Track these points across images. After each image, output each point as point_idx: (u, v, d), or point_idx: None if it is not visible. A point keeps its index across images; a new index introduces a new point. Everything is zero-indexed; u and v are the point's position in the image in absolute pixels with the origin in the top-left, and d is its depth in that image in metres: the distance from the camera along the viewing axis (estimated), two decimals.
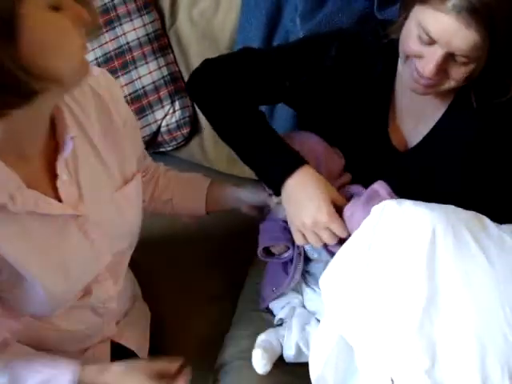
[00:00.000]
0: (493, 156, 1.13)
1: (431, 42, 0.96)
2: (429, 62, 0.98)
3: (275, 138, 1.09)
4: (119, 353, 1.17)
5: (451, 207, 0.98)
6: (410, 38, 1.01)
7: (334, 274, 0.97)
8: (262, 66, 1.18)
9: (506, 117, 1.10)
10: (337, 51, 1.15)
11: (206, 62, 1.20)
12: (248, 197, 1.26)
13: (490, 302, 0.87)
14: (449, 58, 0.97)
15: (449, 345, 0.85)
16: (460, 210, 0.98)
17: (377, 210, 0.96)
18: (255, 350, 1.06)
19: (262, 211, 1.27)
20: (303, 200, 1.03)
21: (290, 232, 1.12)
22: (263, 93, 1.16)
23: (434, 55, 0.97)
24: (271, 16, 1.52)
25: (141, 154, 1.18)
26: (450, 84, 1.03)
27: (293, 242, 1.12)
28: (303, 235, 1.05)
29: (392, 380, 0.87)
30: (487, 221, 0.97)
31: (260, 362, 1.04)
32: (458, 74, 1.00)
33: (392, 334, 0.87)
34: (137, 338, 1.22)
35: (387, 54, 1.14)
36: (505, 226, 0.97)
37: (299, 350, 1.06)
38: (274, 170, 1.06)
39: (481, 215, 0.98)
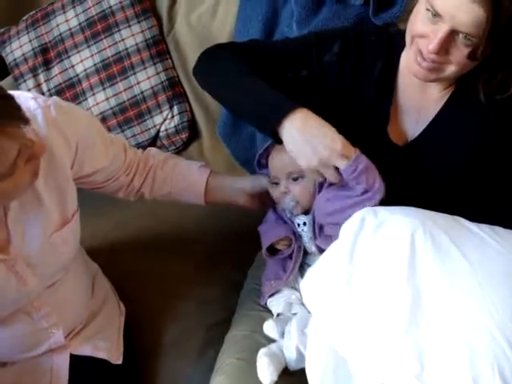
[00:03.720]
0: (493, 149, 1.15)
1: (437, 19, 0.99)
2: (432, 39, 1.01)
3: (273, 88, 1.10)
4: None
5: (428, 212, 0.99)
6: (417, 19, 1.04)
7: (316, 283, 0.98)
8: (267, 54, 1.20)
9: (506, 110, 1.12)
10: (339, 48, 1.17)
11: (215, 45, 1.23)
12: (248, 185, 1.28)
13: (473, 303, 0.87)
14: (451, 37, 1.00)
15: (437, 348, 0.86)
16: (437, 214, 0.99)
17: (356, 219, 0.98)
18: (260, 359, 1.05)
19: (262, 203, 1.28)
20: (313, 134, 1.03)
21: (288, 224, 1.15)
22: (265, 79, 1.17)
23: (438, 32, 1.00)
24: (268, 21, 1.54)
25: (108, 164, 1.18)
26: (451, 69, 1.05)
27: (293, 233, 1.14)
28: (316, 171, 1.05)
29: None
30: (466, 223, 0.99)
31: (267, 371, 1.03)
32: (458, 56, 1.02)
33: (380, 341, 0.88)
34: (105, 347, 1.21)
35: (388, 52, 1.17)
36: (485, 226, 0.98)
37: (300, 354, 1.05)
38: (273, 109, 1.06)
39: (458, 217, 1.00)
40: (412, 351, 0.86)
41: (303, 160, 1.04)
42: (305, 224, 1.14)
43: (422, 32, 1.03)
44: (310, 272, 1.00)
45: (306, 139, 1.02)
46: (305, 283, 1.03)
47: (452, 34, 0.99)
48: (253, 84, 1.11)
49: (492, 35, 0.97)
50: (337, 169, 1.04)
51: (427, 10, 1.01)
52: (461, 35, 0.99)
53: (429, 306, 0.88)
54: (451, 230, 0.96)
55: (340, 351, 0.93)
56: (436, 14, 0.99)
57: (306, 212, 1.14)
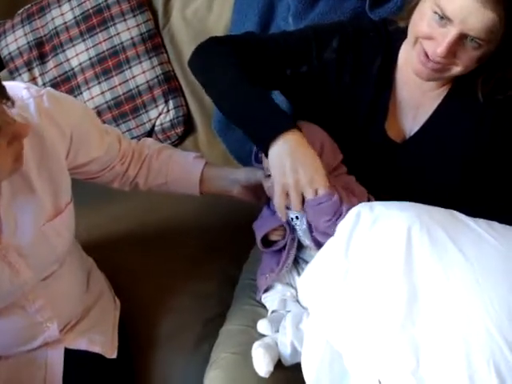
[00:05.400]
0: (491, 148, 1.15)
1: (446, 22, 0.98)
2: (440, 42, 1.00)
3: (270, 101, 1.10)
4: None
5: (424, 206, 0.99)
6: (422, 20, 1.02)
7: (313, 279, 0.98)
8: (265, 50, 1.19)
9: (503, 109, 1.12)
10: (338, 44, 1.16)
11: (211, 38, 1.22)
12: (243, 176, 1.28)
13: (470, 298, 0.87)
14: (460, 40, 0.99)
15: (433, 344, 0.86)
16: (433, 208, 0.99)
17: (351, 215, 0.98)
18: (256, 350, 1.06)
19: (257, 196, 1.28)
20: (301, 158, 1.01)
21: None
22: (263, 76, 1.17)
23: (447, 36, 0.98)
24: (264, 15, 1.54)
25: (103, 154, 1.18)
26: (456, 70, 1.04)
27: (288, 224, 1.14)
28: (286, 195, 1.04)
29: (379, 382, 0.88)
30: (463, 217, 0.99)
31: (263, 361, 1.03)
32: (466, 58, 1.01)
33: (376, 336, 0.88)
34: (100, 341, 1.21)
35: (386, 49, 1.16)
36: (482, 222, 0.98)
37: (294, 349, 1.06)
38: (270, 125, 1.05)
39: (455, 212, 1.00)
40: (408, 347, 0.86)
41: (279, 174, 1.02)
42: (297, 218, 1.14)
43: (429, 34, 1.02)
44: (307, 269, 1.00)
45: (292, 158, 1.01)
46: (302, 279, 1.04)
47: (461, 37, 0.98)
48: (250, 95, 1.10)
49: (505, 38, 0.97)
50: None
51: (435, 12, 0.99)
52: (469, 38, 0.98)
53: (425, 302, 0.88)
54: (448, 225, 0.96)
55: (336, 346, 0.93)
56: (444, 17, 0.98)
57: None
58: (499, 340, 0.83)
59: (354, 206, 1.01)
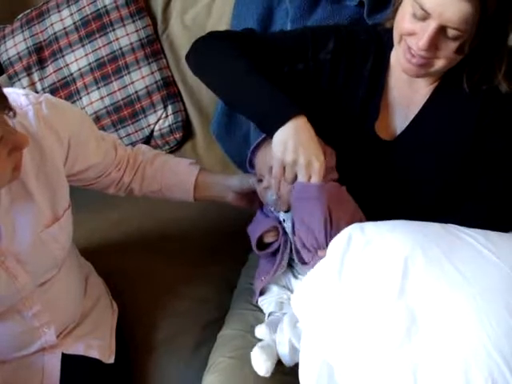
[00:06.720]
0: (479, 139, 1.16)
1: (425, 16, 1.01)
2: (422, 37, 1.03)
3: (274, 88, 1.12)
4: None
5: (417, 223, 1.00)
6: (404, 18, 1.06)
7: (307, 300, 0.97)
8: (264, 45, 1.21)
9: (492, 100, 1.14)
10: (334, 46, 1.19)
11: (210, 33, 1.24)
12: (236, 183, 1.29)
13: (467, 316, 0.86)
14: (440, 32, 1.02)
15: (430, 363, 0.84)
16: (426, 224, 1.00)
17: (342, 237, 0.97)
18: (254, 352, 1.06)
19: (250, 202, 1.29)
20: (304, 141, 1.05)
21: (271, 217, 1.16)
22: (261, 72, 1.17)
23: (427, 29, 1.02)
24: (262, 21, 1.54)
25: (100, 160, 1.19)
26: (440, 64, 1.07)
27: (279, 223, 1.15)
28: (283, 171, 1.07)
29: None
30: (456, 231, 0.98)
31: (260, 359, 1.04)
32: (447, 49, 1.04)
33: (373, 357, 0.87)
34: (97, 346, 1.21)
35: (377, 50, 1.19)
36: (477, 233, 0.97)
37: (293, 347, 1.06)
38: (279, 111, 1.08)
39: (447, 225, 1.00)
40: (406, 366, 0.85)
41: (280, 152, 1.05)
42: (284, 221, 1.15)
43: (411, 30, 1.05)
44: (299, 289, 1.00)
45: (295, 139, 1.04)
46: (295, 300, 1.02)
47: (441, 29, 1.01)
48: (255, 82, 1.12)
49: (480, 28, 1.00)
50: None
51: (414, 8, 1.02)
52: (449, 30, 1.01)
53: (422, 321, 0.87)
54: (443, 242, 0.95)
55: (333, 364, 0.92)
56: (424, 12, 1.01)
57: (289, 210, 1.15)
58: (497, 358, 0.82)
59: (341, 219, 1.02)
